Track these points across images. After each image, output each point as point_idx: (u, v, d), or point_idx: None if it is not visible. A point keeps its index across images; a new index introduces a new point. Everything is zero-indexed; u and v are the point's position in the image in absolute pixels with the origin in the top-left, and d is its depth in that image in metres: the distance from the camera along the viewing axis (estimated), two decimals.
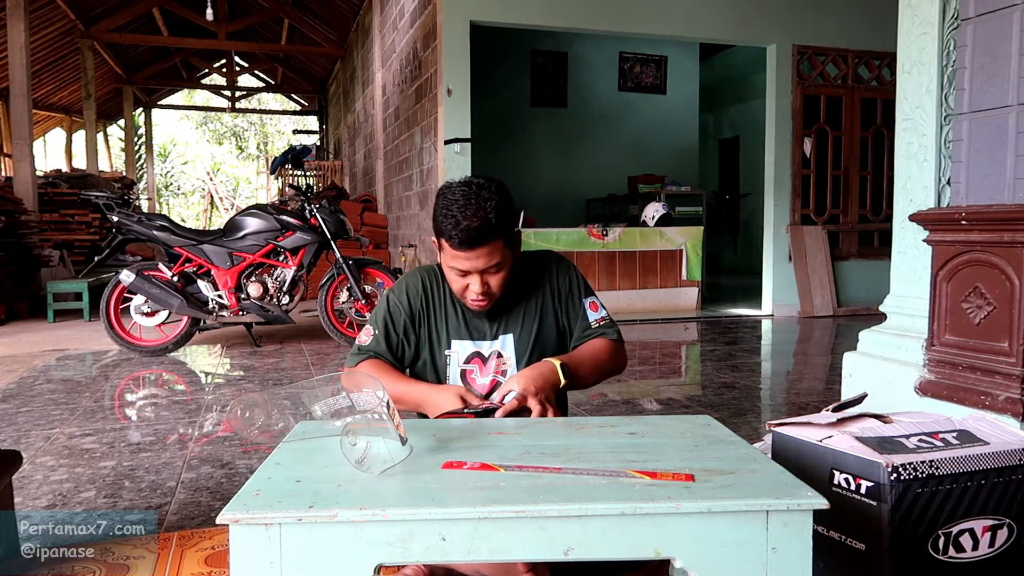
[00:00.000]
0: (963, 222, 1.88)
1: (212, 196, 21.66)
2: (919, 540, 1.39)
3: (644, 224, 6.86)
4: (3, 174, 11.18)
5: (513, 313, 1.67)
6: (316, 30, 12.88)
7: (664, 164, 9.43)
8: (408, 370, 1.72)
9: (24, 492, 2.25)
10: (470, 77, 6.03)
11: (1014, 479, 1.47)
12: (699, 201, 8.61)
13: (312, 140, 19.09)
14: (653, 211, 6.87)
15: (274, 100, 24.74)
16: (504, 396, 1.50)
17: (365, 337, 1.66)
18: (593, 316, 1.71)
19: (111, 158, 17.95)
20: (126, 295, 4.67)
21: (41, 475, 2.44)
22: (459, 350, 1.65)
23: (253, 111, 24.96)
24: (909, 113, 2.25)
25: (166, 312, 4.66)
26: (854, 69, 6.85)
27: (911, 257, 2.26)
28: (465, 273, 1.54)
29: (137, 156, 18.82)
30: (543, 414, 1.46)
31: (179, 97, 24.08)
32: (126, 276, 4.57)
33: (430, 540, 0.91)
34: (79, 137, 14.84)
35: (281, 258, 4.84)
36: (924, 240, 2.06)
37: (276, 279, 4.85)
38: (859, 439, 1.47)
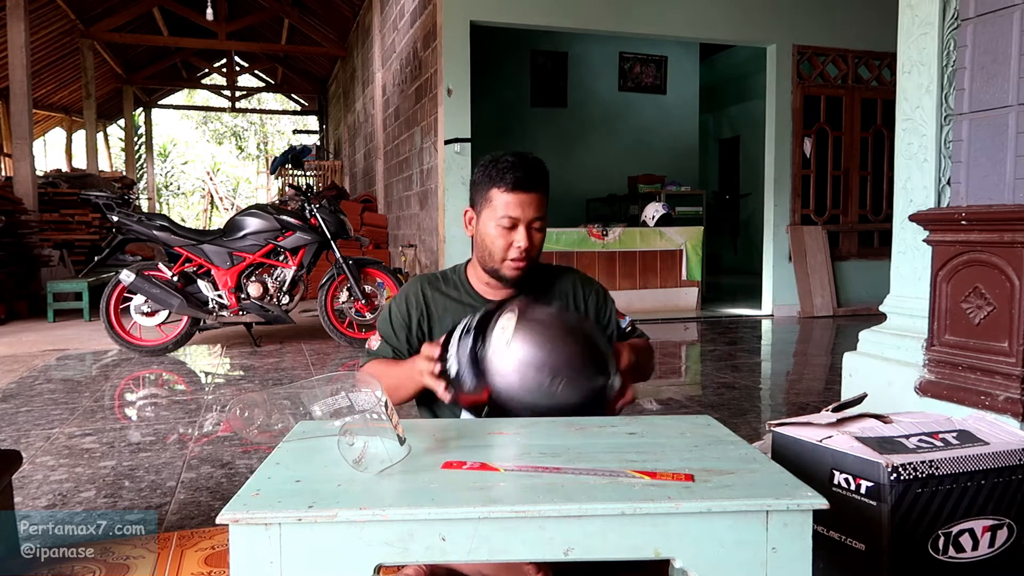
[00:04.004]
0: (963, 222, 1.88)
1: (212, 196, 21.66)
2: (919, 540, 1.39)
3: (644, 224, 6.86)
4: (3, 174, 11.18)
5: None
6: (316, 30, 12.88)
7: (664, 164, 9.43)
8: None
9: (24, 492, 2.25)
10: (470, 77, 6.03)
11: (1014, 479, 1.47)
12: (699, 201, 8.60)
13: (312, 140, 19.08)
14: (653, 211, 6.87)
15: (274, 100, 24.73)
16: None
17: (374, 342, 1.70)
18: (624, 323, 1.74)
19: (111, 158, 17.94)
20: (126, 295, 4.67)
21: (41, 475, 2.44)
22: None
23: (253, 111, 24.95)
24: (909, 113, 2.25)
25: (166, 312, 4.66)
26: (854, 69, 6.85)
27: (911, 257, 2.26)
28: (513, 225, 1.55)
29: (137, 156, 18.82)
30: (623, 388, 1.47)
31: (179, 97, 24.07)
32: (126, 276, 4.57)
33: (430, 540, 0.91)
34: (79, 137, 14.83)
35: (281, 258, 4.84)
36: (924, 240, 2.06)
37: (276, 279, 4.85)
38: (859, 439, 1.47)
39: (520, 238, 1.55)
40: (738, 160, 11.88)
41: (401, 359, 1.66)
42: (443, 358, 1.40)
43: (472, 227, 1.64)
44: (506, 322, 1.33)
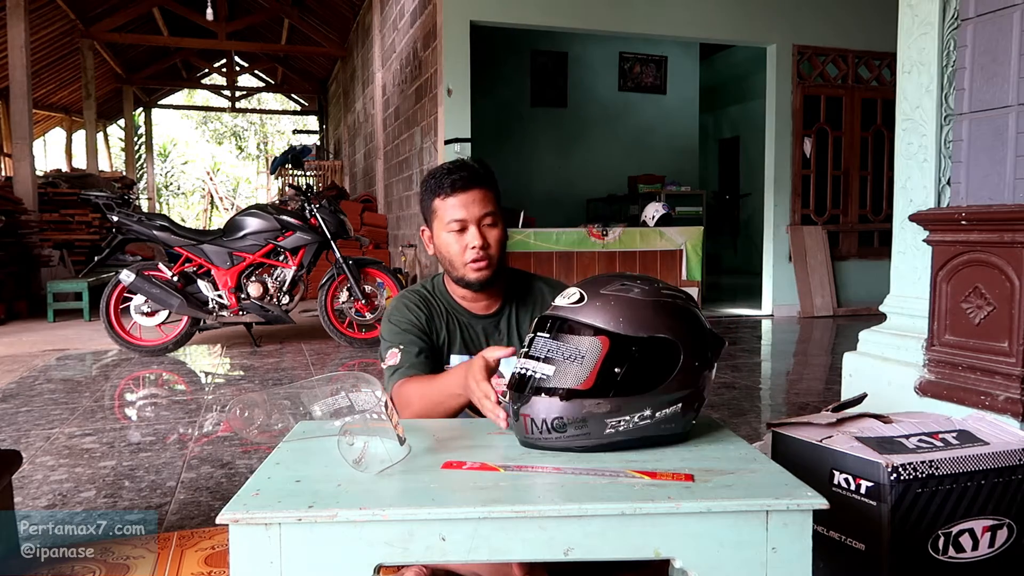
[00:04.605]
0: (963, 222, 1.88)
1: (212, 196, 21.66)
2: (919, 540, 1.39)
3: (644, 224, 6.85)
4: (3, 174, 11.18)
5: (512, 335, 1.67)
6: (316, 30, 12.88)
7: (664, 164, 9.43)
8: None
9: (24, 492, 2.25)
10: (470, 77, 6.03)
11: (1014, 479, 1.47)
12: (699, 201, 8.61)
13: (312, 140, 19.08)
14: (653, 211, 6.87)
15: (274, 100, 24.73)
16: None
17: (392, 358, 1.57)
18: None
19: (111, 158, 17.94)
20: (126, 295, 4.67)
21: (41, 475, 2.44)
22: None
23: (253, 111, 24.95)
24: (909, 113, 2.25)
25: (166, 312, 4.66)
26: (854, 69, 6.85)
27: (911, 257, 2.26)
28: (463, 228, 1.55)
29: (137, 156, 18.82)
30: None
31: (179, 97, 24.07)
32: (126, 276, 4.57)
33: (430, 540, 0.91)
34: (79, 137, 14.83)
35: (281, 258, 4.84)
36: (924, 240, 2.06)
37: (276, 279, 4.85)
38: (859, 439, 1.47)
39: (472, 237, 1.54)
40: (738, 160, 11.88)
41: (431, 353, 1.59)
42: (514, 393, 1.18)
43: (432, 245, 1.64)
44: (566, 292, 1.22)
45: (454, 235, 1.55)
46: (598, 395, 1.09)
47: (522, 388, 1.13)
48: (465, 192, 1.54)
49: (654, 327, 1.12)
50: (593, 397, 1.09)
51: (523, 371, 1.15)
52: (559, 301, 1.18)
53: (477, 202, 1.54)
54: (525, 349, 1.18)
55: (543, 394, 1.11)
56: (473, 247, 1.54)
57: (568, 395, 1.09)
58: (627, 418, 1.10)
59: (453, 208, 1.54)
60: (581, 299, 1.15)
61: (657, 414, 1.12)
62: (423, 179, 1.62)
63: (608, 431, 1.10)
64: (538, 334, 1.16)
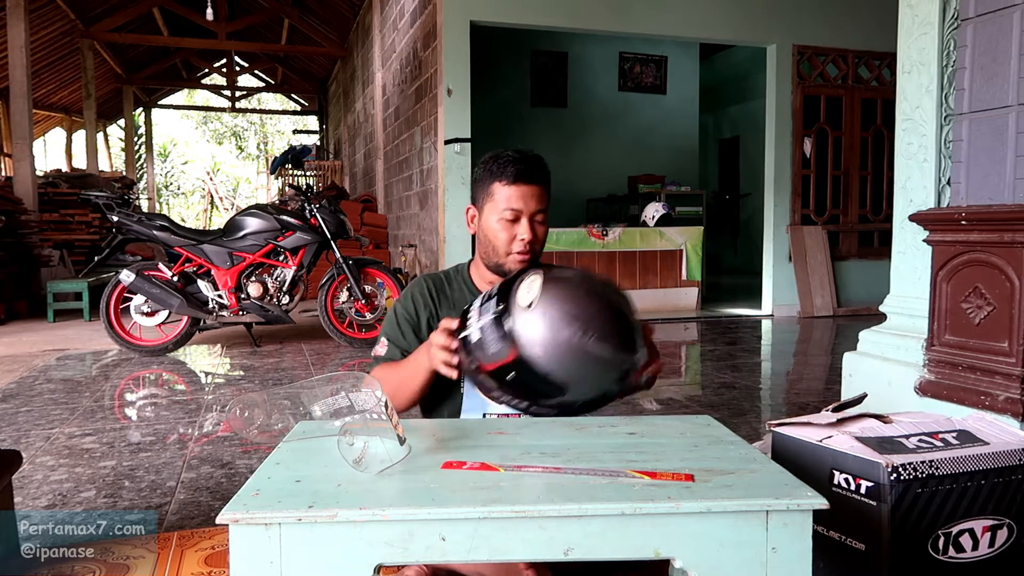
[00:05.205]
0: (963, 222, 1.88)
1: (212, 196, 21.67)
2: (919, 540, 1.39)
3: (644, 224, 6.86)
4: (3, 174, 11.18)
5: None
6: (316, 30, 12.89)
7: (664, 164, 9.43)
8: None
9: (24, 492, 2.25)
10: (470, 77, 6.03)
11: (1014, 479, 1.47)
12: (699, 201, 8.61)
13: (312, 140, 19.09)
14: (653, 211, 6.87)
15: (274, 100, 24.74)
16: None
17: (380, 349, 1.65)
18: None
19: (111, 158, 17.94)
20: (126, 295, 4.67)
21: (41, 475, 2.44)
22: None
23: (253, 111, 24.96)
24: (909, 113, 2.25)
25: (166, 312, 4.66)
26: (854, 69, 6.85)
27: (911, 257, 2.26)
28: (516, 218, 1.57)
29: (137, 156, 18.82)
30: None
31: (179, 97, 24.07)
32: (126, 276, 4.57)
33: (430, 540, 0.91)
34: (79, 137, 14.84)
35: (281, 258, 4.84)
36: (924, 240, 2.06)
37: (276, 279, 4.85)
38: (859, 439, 1.47)
39: (523, 230, 1.56)
40: (738, 160, 11.88)
41: None
42: (461, 329, 1.35)
43: (475, 224, 1.65)
44: (531, 281, 1.29)
45: (505, 223, 1.57)
46: (492, 377, 1.29)
47: (461, 328, 1.34)
48: (528, 185, 1.57)
49: (558, 371, 1.24)
50: (488, 376, 1.29)
51: (467, 319, 1.33)
52: (521, 293, 1.28)
53: (535, 197, 1.57)
54: (482, 297, 1.34)
55: (465, 345, 1.32)
56: (522, 239, 1.56)
57: (474, 360, 1.30)
58: (507, 399, 1.32)
59: (512, 198, 1.56)
60: (530, 306, 1.25)
61: (532, 408, 1.33)
62: (484, 159, 1.63)
63: (491, 395, 1.34)
64: (491, 300, 1.31)
